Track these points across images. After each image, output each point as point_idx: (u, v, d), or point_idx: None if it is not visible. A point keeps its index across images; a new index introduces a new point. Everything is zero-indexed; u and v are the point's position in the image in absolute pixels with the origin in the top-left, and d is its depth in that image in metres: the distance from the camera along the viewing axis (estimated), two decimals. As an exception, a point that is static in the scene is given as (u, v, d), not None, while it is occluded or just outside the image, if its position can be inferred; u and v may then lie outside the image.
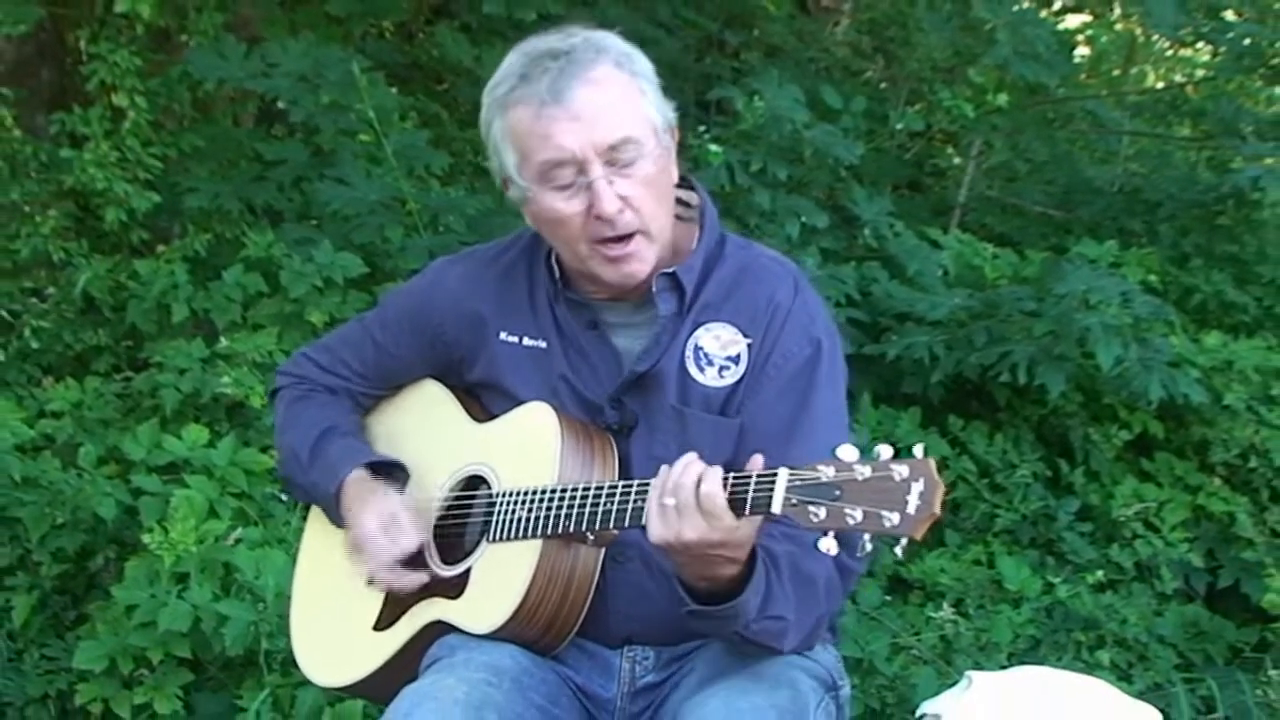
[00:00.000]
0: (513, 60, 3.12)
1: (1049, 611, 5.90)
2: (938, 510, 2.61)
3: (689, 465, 2.81)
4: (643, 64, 3.13)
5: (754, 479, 2.74)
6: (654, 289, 3.15)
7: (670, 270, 3.16)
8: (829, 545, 2.67)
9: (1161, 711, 3.66)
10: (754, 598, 2.87)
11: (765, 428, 3.12)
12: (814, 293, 3.28)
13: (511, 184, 3.15)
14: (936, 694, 3.71)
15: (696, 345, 3.17)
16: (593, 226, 3.07)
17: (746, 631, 2.93)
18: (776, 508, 2.70)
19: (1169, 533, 6.23)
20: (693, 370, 3.17)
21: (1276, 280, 7.17)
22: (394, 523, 3.26)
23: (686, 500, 2.77)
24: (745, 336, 3.18)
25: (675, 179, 3.20)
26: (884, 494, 2.62)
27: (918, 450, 2.66)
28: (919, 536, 2.62)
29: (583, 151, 3.02)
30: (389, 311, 3.53)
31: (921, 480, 2.61)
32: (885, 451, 2.65)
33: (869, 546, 2.68)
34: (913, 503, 2.61)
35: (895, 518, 2.61)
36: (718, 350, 3.18)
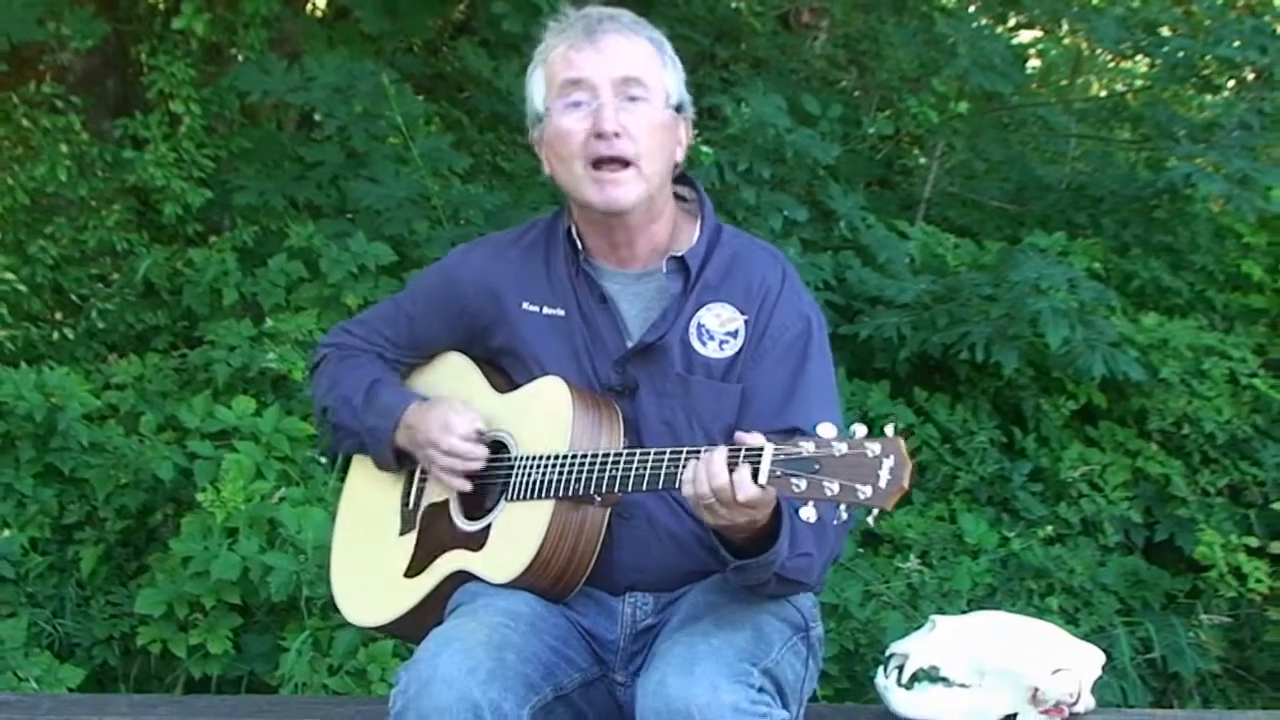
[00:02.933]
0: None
1: (1004, 562, 5.90)
2: (906, 485, 2.62)
3: (712, 467, 2.81)
4: (672, 52, 3.20)
5: (743, 453, 2.76)
6: (663, 270, 3.18)
7: (679, 255, 3.18)
8: (809, 514, 2.68)
9: (1104, 651, 3.66)
10: (785, 540, 2.89)
11: (766, 392, 3.15)
12: (799, 277, 3.31)
13: (538, 123, 3.20)
14: (904, 635, 3.71)
15: (699, 323, 3.19)
16: (591, 145, 3.09)
17: (783, 571, 2.95)
18: (762, 479, 2.71)
19: (1111, 492, 6.23)
20: (695, 344, 3.18)
21: (1207, 267, 7.15)
22: (454, 409, 3.27)
23: (727, 499, 2.78)
24: (742, 314, 3.19)
25: (678, 159, 3.23)
26: (858, 469, 2.64)
27: (889, 430, 2.66)
28: (889, 508, 2.64)
29: (597, 77, 3.09)
30: (418, 288, 3.53)
31: (892, 457, 2.63)
32: (860, 430, 2.67)
33: (844, 515, 2.69)
34: (884, 477, 2.63)
35: (868, 490, 2.63)
36: (718, 327, 3.19)
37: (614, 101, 3.08)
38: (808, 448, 2.68)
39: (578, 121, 3.10)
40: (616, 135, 3.08)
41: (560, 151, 3.15)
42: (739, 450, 2.77)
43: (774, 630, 3.11)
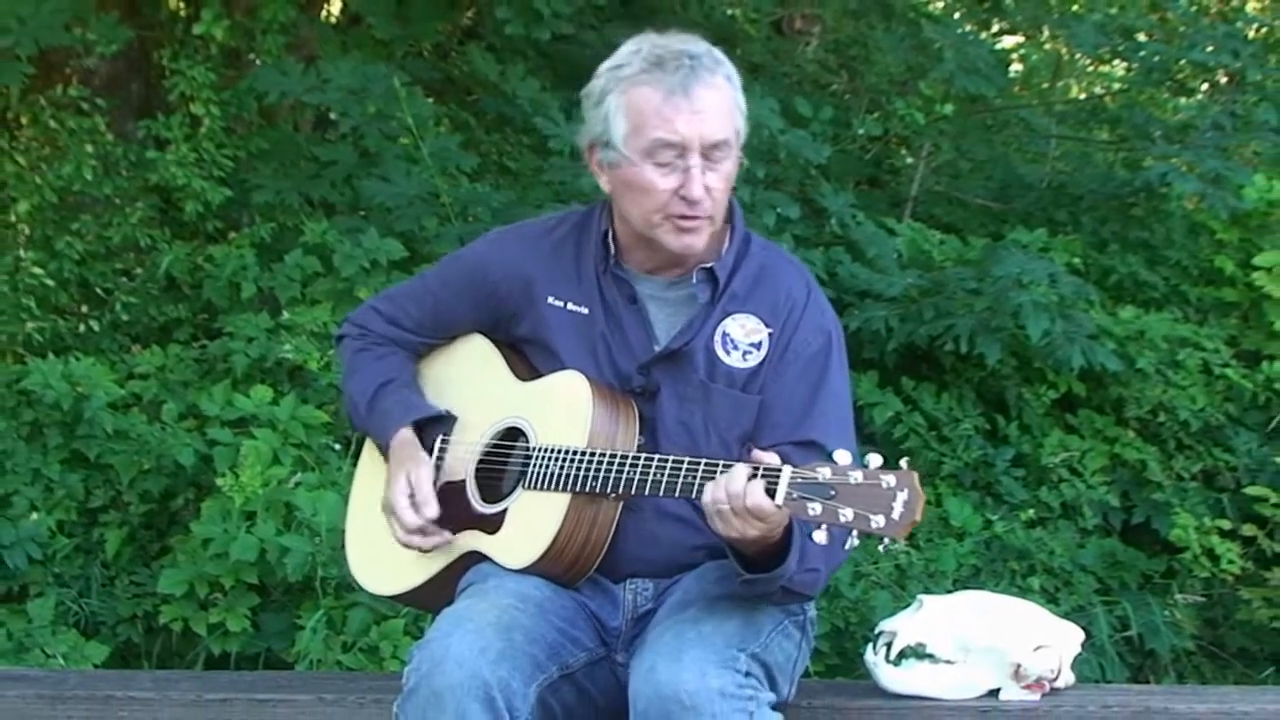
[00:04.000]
0: (637, 49, 3.08)
1: (988, 544, 5.90)
2: (918, 518, 2.62)
3: (732, 481, 2.81)
4: (739, 84, 3.12)
5: (762, 470, 2.76)
6: (693, 280, 3.14)
7: (708, 266, 3.15)
8: (821, 537, 2.69)
9: (1084, 629, 3.66)
10: (794, 557, 2.88)
11: (786, 405, 3.12)
12: (821, 291, 3.28)
13: (606, 148, 3.10)
14: (892, 614, 3.70)
15: (724, 332, 3.15)
16: (675, 204, 3.03)
17: (790, 585, 2.95)
18: (779, 499, 2.72)
19: (1090, 477, 6.22)
20: (720, 352, 3.15)
21: (1181, 262, 7.15)
22: (418, 494, 3.22)
23: (739, 507, 2.78)
24: (766, 326, 3.16)
25: None
26: (872, 499, 2.64)
27: (904, 463, 2.66)
28: (901, 539, 2.65)
29: (691, 141, 3.00)
30: (447, 269, 3.47)
31: (906, 490, 2.63)
32: (875, 460, 2.67)
33: (855, 542, 2.71)
34: (897, 509, 2.63)
35: (881, 520, 2.63)
36: (742, 337, 3.16)
37: (701, 164, 3.02)
38: (824, 473, 2.68)
39: (664, 177, 3.03)
40: (702, 198, 3.03)
41: (640, 200, 3.08)
42: (758, 469, 2.77)
43: (765, 615, 3.10)
